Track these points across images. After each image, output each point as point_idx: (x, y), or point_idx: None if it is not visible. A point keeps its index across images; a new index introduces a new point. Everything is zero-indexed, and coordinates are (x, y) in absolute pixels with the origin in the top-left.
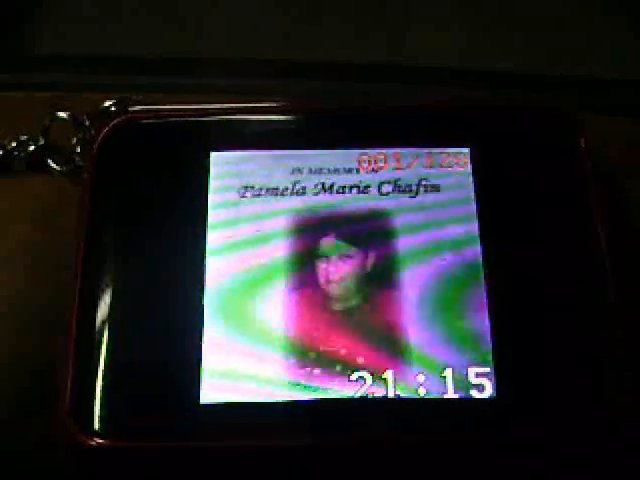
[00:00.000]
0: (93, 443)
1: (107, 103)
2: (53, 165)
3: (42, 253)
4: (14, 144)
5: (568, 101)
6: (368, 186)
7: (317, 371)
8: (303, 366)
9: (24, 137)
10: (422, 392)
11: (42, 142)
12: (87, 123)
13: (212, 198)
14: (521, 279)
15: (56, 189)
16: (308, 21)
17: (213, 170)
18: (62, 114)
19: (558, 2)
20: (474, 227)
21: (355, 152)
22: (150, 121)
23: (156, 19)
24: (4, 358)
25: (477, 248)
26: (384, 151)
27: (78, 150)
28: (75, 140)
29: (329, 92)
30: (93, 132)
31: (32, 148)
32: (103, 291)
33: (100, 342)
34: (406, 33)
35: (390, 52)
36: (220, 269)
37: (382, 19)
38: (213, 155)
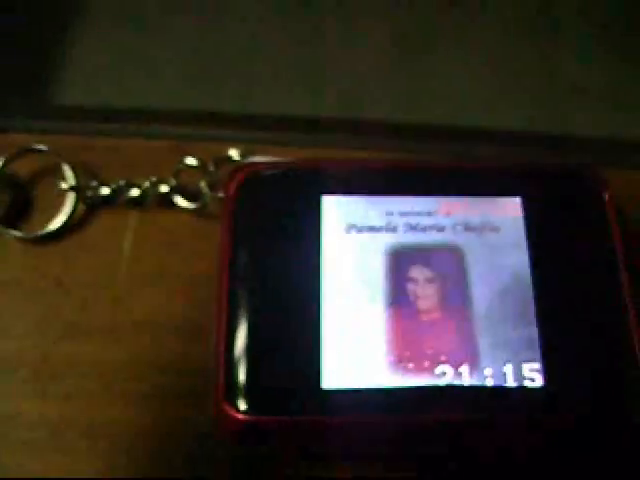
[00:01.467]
0: (241, 418)
1: (231, 152)
2: (183, 203)
3: (174, 274)
4: (147, 184)
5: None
6: (444, 226)
7: (411, 365)
8: (400, 362)
9: (154, 178)
10: (489, 382)
11: (174, 183)
12: (211, 168)
13: (324, 234)
14: (561, 299)
15: (183, 223)
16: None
17: (324, 211)
18: (191, 160)
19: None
20: (526, 259)
21: (434, 199)
22: (272, 171)
23: None
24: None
25: (528, 275)
26: (457, 198)
27: (205, 191)
28: (203, 183)
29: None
30: (218, 177)
31: (165, 188)
32: (243, 308)
33: (243, 344)
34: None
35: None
36: (333, 290)
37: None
38: (324, 199)
